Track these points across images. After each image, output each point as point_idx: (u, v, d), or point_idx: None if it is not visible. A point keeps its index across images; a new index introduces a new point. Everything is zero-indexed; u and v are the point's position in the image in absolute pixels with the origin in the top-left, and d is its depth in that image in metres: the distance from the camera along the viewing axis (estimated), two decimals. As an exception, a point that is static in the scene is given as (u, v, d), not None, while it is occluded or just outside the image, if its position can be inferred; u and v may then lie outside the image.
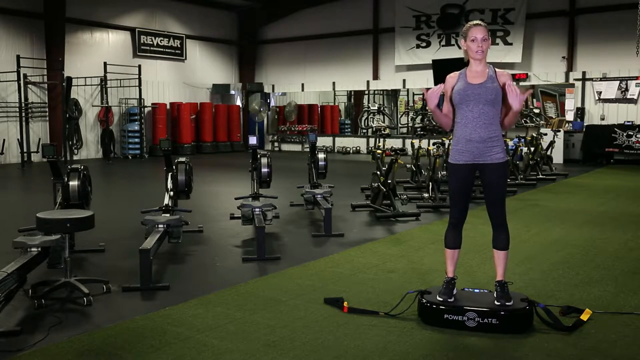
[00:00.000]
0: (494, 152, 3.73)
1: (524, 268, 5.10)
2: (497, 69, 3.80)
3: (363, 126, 20.01)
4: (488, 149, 3.73)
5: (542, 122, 17.27)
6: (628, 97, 15.80)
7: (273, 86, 22.17)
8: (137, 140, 18.06)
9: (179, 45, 20.26)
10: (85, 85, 17.25)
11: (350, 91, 23.34)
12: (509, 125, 3.87)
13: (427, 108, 18.80)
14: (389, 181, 7.78)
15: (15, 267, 4.02)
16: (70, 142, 16.70)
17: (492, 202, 3.81)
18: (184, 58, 20.50)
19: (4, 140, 15.51)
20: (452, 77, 3.86)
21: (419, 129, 16.28)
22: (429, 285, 4.29)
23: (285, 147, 21.84)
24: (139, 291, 4.46)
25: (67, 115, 16.36)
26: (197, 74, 21.00)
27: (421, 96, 23.23)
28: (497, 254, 3.86)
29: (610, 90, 16.01)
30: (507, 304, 3.70)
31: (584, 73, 16.45)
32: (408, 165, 10.29)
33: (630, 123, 15.36)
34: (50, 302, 4.20)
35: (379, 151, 8.40)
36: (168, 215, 5.72)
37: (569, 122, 16.66)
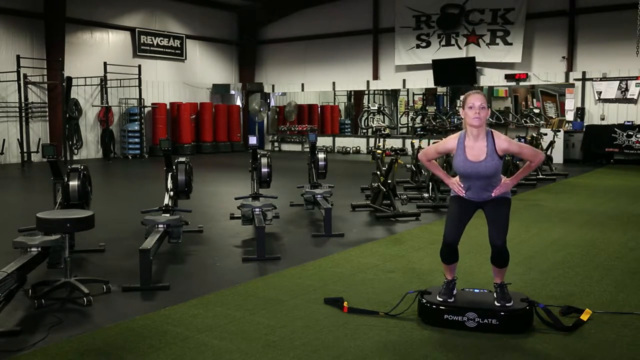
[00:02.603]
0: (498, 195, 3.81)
1: (524, 268, 5.10)
2: (495, 136, 3.74)
3: (363, 126, 20.00)
4: (491, 190, 3.79)
5: (542, 122, 17.26)
6: (628, 97, 15.79)
7: (273, 86, 22.16)
8: (137, 140, 18.05)
9: (179, 45, 20.26)
10: (85, 85, 17.25)
11: (350, 91, 23.34)
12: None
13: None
14: (389, 181, 7.77)
15: (15, 267, 4.03)
16: (70, 142, 16.70)
17: (493, 230, 3.80)
18: (184, 58, 20.50)
19: (4, 140, 15.51)
20: (451, 140, 3.85)
21: (419, 129, 16.28)
22: (429, 285, 4.29)
23: (285, 147, 21.84)
24: (139, 291, 4.46)
25: (67, 115, 16.36)
26: (197, 74, 21.00)
27: (421, 96, 23.25)
28: (495, 269, 3.88)
29: (610, 90, 16.01)
30: (507, 304, 3.70)
31: (584, 73, 16.45)
32: (408, 165, 10.29)
33: (630, 123, 15.36)
34: (50, 302, 4.20)
35: (379, 151, 8.39)
36: (168, 215, 5.72)
37: (569, 122, 16.66)
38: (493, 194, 3.77)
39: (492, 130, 3.81)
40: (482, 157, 3.70)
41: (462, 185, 3.82)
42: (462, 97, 3.86)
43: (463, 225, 3.89)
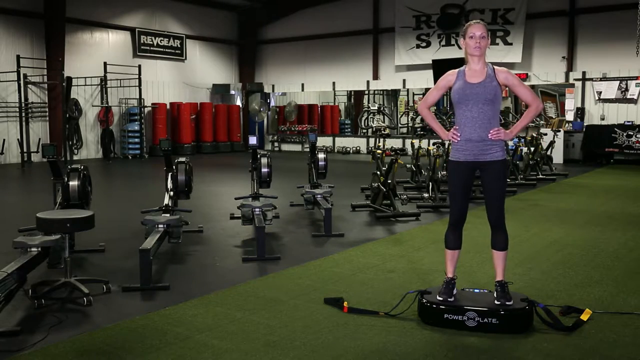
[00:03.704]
0: (493, 151, 3.76)
1: (524, 268, 5.10)
2: (495, 67, 3.80)
3: (363, 126, 19.98)
4: (487, 148, 3.75)
5: (542, 122, 17.24)
6: (628, 97, 15.79)
7: (273, 86, 22.17)
8: (137, 140, 18.05)
9: (179, 45, 20.26)
10: (85, 85, 17.25)
11: (350, 91, 23.34)
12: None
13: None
14: (389, 181, 7.77)
15: (15, 267, 4.03)
16: (70, 142, 16.70)
17: (490, 202, 3.82)
18: (184, 58, 20.50)
19: (4, 140, 15.51)
20: (450, 74, 3.88)
21: (419, 129, 16.27)
22: (429, 285, 4.29)
23: (285, 147, 21.84)
24: (139, 291, 4.46)
25: (67, 115, 16.36)
26: (197, 74, 21.00)
27: (421, 96, 23.24)
28: (496, 255, 3.86)
29: (610, 90, 16.01)
30: (507, 303, 3.70)
31: (584, 73, 16.45)
32: (408, 165, 10.28)
33: (630, 123, 15.36)
34: (50, 302, 4.20)
35: (379, 151, 8.39)
36: (168, 215, 5.72)
37: (569, 122, 16.66)
38: (490, 135, 3.71)
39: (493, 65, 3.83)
40: (481, 79, 3.72)
41: (457, 130, 3.79)
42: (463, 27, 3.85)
43: (466, 194, 3.86)
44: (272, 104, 22.50)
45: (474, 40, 3.71)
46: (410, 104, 23.93)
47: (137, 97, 17.91)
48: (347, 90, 23.09)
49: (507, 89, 4.19)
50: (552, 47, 16.94)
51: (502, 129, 3.77)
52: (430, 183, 8.71)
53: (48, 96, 16.57)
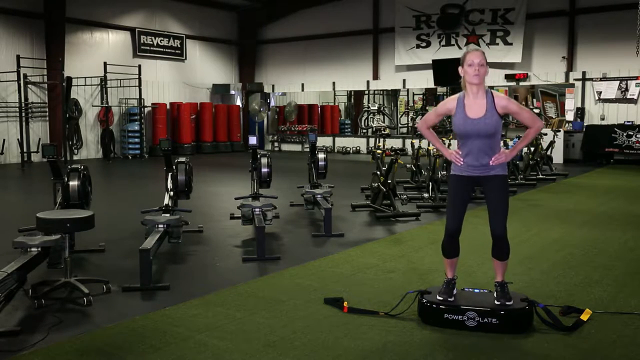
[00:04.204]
0: (495, 169, 3.77)
1: (524, 268, 5.10)
2: (494, 95, 3.74)
3: (363, 126, 20.02)
4: (489, 168, 3.77)
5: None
6: (628, 97, 15.79)
7: (273, 86, 22.16)
8: (137, 140, 18.05)
9: (179, 45, 20.26)
10: (85, 85, 17.25)
11: (350, 91, 23.33)
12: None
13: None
14: (389, 181, 7.77)
15: (15, 267, 4.03)
16: (70, 142, 16.70)
17: (493, 214, 3.80)
18: (184, 58, 20.50)
19: (4, 140, 15.51)
20: (450, 102, 3.84)
21: (421, 118, 16.28)
22: (429, 285, 4.29)
23: (285, 147, 21.83)
24: (139, 291, 4.46)
25: (67, 115, 16.36)
26: (197, 74, 21.00)
27: (421, 96, 23.24)
28: (496, 263, 3.87)
29: (610, 90, 16.01)
30: (507, 303, 3.70)
31: (584, 73, 16.45)
32: (408, 165, 10.29)
33: (630, 123, 15.36)
34: (50, 302, 4.20)
35: (379, 151, 8.39)
36: (168, 215, 5.72)
37: (569, 122, 16.65)
38: (491, 162, 3.73)
39: (492, 90, 3.81)
40: (481, 114, 3.70)
41: (460, 154, 3.80)
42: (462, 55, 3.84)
43: (464, 206, 3.87)
44: (272, 104, 22.49)
45: (472, 68, 3.68)
46: (410, 104, 23.94)
47: (137, 97, 17.91)
48: (347, 90, 23.09)
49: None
50: (552, 47, 16.94)
51: (503, 152, 3.77)
52: (430, 183, 8.71)
53: (48, 96, 16.57)
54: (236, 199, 6.91)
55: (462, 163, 3.79)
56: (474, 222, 5.88)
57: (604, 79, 16.09)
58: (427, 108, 21.80)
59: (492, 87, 16.86)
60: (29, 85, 16.11)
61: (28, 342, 3.49)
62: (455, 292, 3.88)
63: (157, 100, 19.24)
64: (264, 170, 7.07)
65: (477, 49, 3.80)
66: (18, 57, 15.41)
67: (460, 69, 3.80)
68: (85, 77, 17.05)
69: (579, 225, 7.11)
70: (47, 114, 16.60)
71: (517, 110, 3.80)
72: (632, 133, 15.00)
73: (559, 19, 16.82)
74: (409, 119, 22.64)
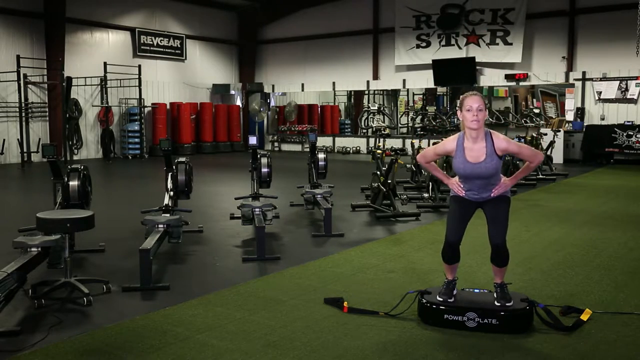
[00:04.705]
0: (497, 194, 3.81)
1: (524, 268, 5.10)
2: (493, 137, 3.73)
3: (363, 126, 19.99)
4: (490, 194, 3.80)
5: (542, 122, 17.26)
6: (628, 97, 15.79)
7: (273, 86, 22.16)
8: (137, 140, 18.05)
9: (179, 45, 20.25)
10: (85, 85, 17.25)
11: (350, 91, 23.34)
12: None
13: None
14: (389, 181, 7.77)
15: (15, 267, 4.03)
16: (70, 142, 16.70)
17: (492, 225, 3.81)
18: (184, 58, 20.49)
19: (4, 140, 15.51)
20: (449, 144, 3.84)
21: (419, 129, 16.28)
22: (429, 285, 4.29)
23: (285, 147, 21.83)
24: (139, 291, 4.46)
25: (67, 115, 16.36)
26: (197, 74, 21.00)
27: (421, 96, 23.24)
28: (495, 268, 3.88)
29: (610, 90, 16.01)
30: (507, 304, 3.70)
31: (584, 73, 16.45)
32: (408, 165, 10.29)
33: (630, 123, 15.36)
34: (50, 302, 4.20)
35: (379, 151, 8.40)
36: (168, 215, 5.72)
37: (569, 122, 16.65)
38: (492, 194, 3.77)
39: (491, 130, 3.80)
40: (481, 159, 3.70)
41: (462, 186, 3.82)
42: (459, 99, 3.84)
43: (464, 224, 3.89)
44: (272, 104, 22.49)
45: (471, 113, 3.67)
46: (410, 104, 23.94)
47: (137, 97, 17.91)
48: (347, 90, 23.10)
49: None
50: (552, 47, 16.94)
51: (502, 183, 3.78)
52: (430, 183, 8.71)
53: (48, 96, 16.57)
54: (236, 199, 6.92)
55: (463, 194, 3.82)
56: (473, 222, 5.84)
57: (604, 79, 16.09)
58: (427, 108, 21.80)
59: (492, 87, 16.86)
60: (29, 85, 16.11)
61: (28, 342, 3.49)
62: (455, 292, 3.88)
63: (157, 100, 19.24)
64: (264, 170, 7.07)
65: (475, 93, 3.77)
66: (18, 57, 15.41)
67: (458, 112, 3.81)
68: (85, 77, 17.05)
69: (579, 225, 7.11)
70: (47, 114, 16.60)
71: (517, 150, 3.83)
72: (632, 133, 15.00)
73: (559, 19, 16.81)
74: (409, 119, 22.63)
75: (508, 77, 17.38)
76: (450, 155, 3.88)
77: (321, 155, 8.25)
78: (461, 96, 3.82)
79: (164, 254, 5.60)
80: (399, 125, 23.17)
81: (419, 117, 21.22)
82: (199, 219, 7.17)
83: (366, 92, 21.94)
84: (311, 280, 4.81)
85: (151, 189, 10.65)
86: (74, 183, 5.26)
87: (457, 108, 3.83)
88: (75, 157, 16.87)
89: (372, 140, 17.86)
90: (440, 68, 17.92)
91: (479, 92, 3.88)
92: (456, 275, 3.96)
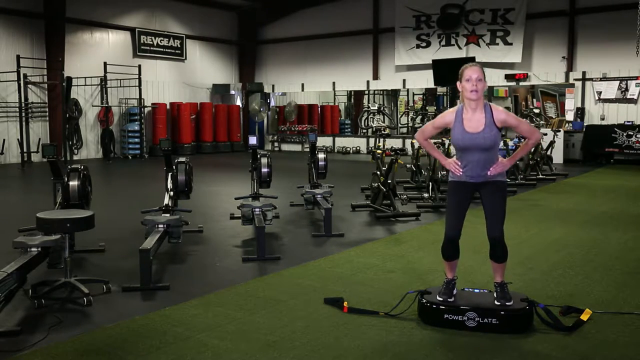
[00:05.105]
0: (494, 177, 3.78)
1: (524, 268, 5.10)
2: (493, 108, 3.74)
3: (363, 126, 20.00)
4: (488, 176, 3.78)
5: (542, 122, 17.26)
6: (628, 97, 15.79)
7: (273, 86, 22.16)
8: (137, 140, 18.05)
9: (179, 45, 20.26)
10: (85, 85, 17.25)
11: (350, 91, 23.34)
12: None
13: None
14: (389, 181, 7.77)
15: (15, 267, 4.03)
16: (70, 142, 16.70)
17: (491, 217, 3.80)
18: (184, 58, 20.50)
19: (4, 140, 15.51)
20: (449, 115, 3.84)
21: (418, 129, 16.29)
22: (429, 285, 4.29)
23: (285, 147, 21.83)
24: (139, 291, 4.46)
25: (67, 115, 16.36)
26: (197, 74, 21.00)
27: (421, 96, 23.24)
28: (494, 265, 3.87)
29: (610, 90, 16.01)
30: (507, 304, 3.70)
31: (584, 73, 16.45)
32: (408, 165, 10.28)
33: (630, 123, 15.36)
34: (50, 302, 4.20)
35: (379, 151, 8.39)
36: (168, 215, 5.72)
37: (569, 122, 16.65)
38: (489, 172, 3.74)
39: (490, 103, 3.81)
40: (480, 128, 3.70)
41: (459, 164, 3.81)
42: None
43: (462, 214, 3.87)
44: (272, 104, 22.50)
45: (470, 83, 3.68)
46: (410, 104, 23.94)
47: (137, 97, 17.91)
48: (347, 90, 23.10)
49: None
50: (552, 47, 16.94)
51: (500, 162, 3.78)
52: (430, 183, 8.71)
53: (48, 96, 16.57)
54: (236, 199, 6.91)
55: (460, 173, 3.80)
56: (474, 222, 5.86)
57: (604, 79, 16.09)
58: (427, 108, 21.81)
59: (492, 87, 16.84)
60: (29, 85, 16.11)
61: (28, 342, 3.49)
62: (455, 292, 3.88)
63: (157, 100, 19.24)
64: (264, 170, 7.07)
65: (474, 64, 3.77)
66: (18, 57, 15.40)
67: (458, 84, 3.80)
68: (85, 77, 17.05)
69: (579, 225, 7.11)
70: (47, 114, 16.60)
71: (516, 123, 3.83)
72: (632, 133, 15.00)
73: (559, 19, 16.82)
74: (409, 119, 22.64)
75: (508, 77, 17.39)
76: (448, 127, 3.86)
77: (321, 155, 8.25)
78: (461, 68, 3.82)
79: (164, 254, 5.60)
80: (399, 125, 23.18)
81: (419, 117, 21.22)
82: (199, 219, 7.17)
83: (366, 92, 21.95)
84: (311, 280, 4.81)
85: (151, 189, 10.64)
86: (74, 183, 5.26)
87: (457, 80, 3.83)
88: (75, 157, 16.88)
89: (372, 140, 17.87)
90: (440, 68, 17.91)
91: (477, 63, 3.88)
92: (456, 275, 3.96)
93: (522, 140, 12.19)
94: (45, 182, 9.18)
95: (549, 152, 13.02)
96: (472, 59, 17.53)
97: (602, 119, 16.13)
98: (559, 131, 15.34)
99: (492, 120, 3.70)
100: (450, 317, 3.70)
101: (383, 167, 7.94)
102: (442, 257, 3.97)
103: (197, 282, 4.81)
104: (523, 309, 3.68)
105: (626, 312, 3.97)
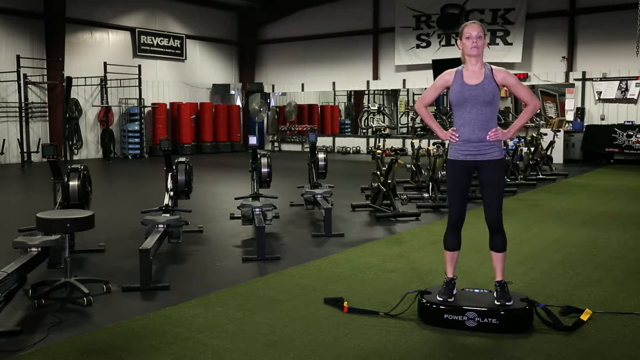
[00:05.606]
0: (492, 151, 3.77)
1: (524, 268, 5.10)
2: (493, 67, 3.78)
3: (363, 126, 19.99)
4: (486, 148, 3.76)
5: (542, 122, 17.26)
6: (628, 97, 15.79)
7: (273, 86, 22.17)
8: (137, 140, 18.06)
9: (179, 45, 20.26)
10: (85, 85, 17.25)
11: (350, 91, 23.34)
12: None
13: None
14: (389, 181, 7.77)
15: (15, 267, 4.02)
16: (70, 142, 16.70)
17: (488, 202, 3.81)
18: (184, 58, 20.50)
19: (4, 140, 15.51)
20: (448, 74, 3.87)
21: (419, 129, 16.28)
22: (429, 285, 4.29)
23: (285, 147, 21.83)
24: (139, 291, 4.46)
25: (67, 115, 16.36)
26: (197, 74, 21.00)
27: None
28: (494, 256, 3.87)
29: (610, 90, 16.01)
30: (507, 303, 3.70)
31: (584, 73, 16.45)
32: (408, 165, 10.28)
33: (630, 123, 15.36)
34: (50, 302, 4.20)
35: (379, 151, 8.39)
36: (168, 215, 5.72)
37: (569, 122, 16.65)
38: (488, 137, 3.72)
39: (491, 64, 3.82)
40: (479, 80, 3.71)
41: (455, 130, 3.80)
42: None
43: (464, 194, 3.87)
44: (272, 104, 22.49)
45: (470, 40, 3.71)
46: (410, 104, 23.93)
47: (137, 97, 17.91)
48: (347, 90, 23.10)
49: (506, 90, 4.20)
50: (552, 47, 16.94)
51: (500, 129, 3.77)
52: (430, 183, 8.71)
53: (48, 96, 16.57)
54: (236, 199, 6.91)
55: (457, 139, 3.78)
56: (473, 222, 5.87)
57: (604, 79, 16.09)
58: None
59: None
60: (29, 85, 16.11)
61: (28, 342, 3.49)
62: (455, 292, 3.88)
63: (157, 100, 19.24)
64: (264, 170, 7.07)
65: (474, 22, 3.79)
66: (18, 57, 15.41)
67: (458, 42, 3.82)
68: (85, 77, 17.06)
69: (579, 225, 7.11)
70: (47, 114, 16.61)
71: (515, 83, 3.79)
72: (632, 133, 15.00)
73: (559, 19, 16.82)
74: (409, 119, 22.61)
75: (508, 77, 17.36)
76: (448, 86, 3.84)
77: (321, 155, 8.24)
78: (461, 26, 3.83)
79: (164, 254, 5.60)
80: (399, 125, 23.17)
81: (419, 117, 21.19)
82: (199, 219, 7.16)
83: (366, 92, 21.95)
84: (311, 280, 4.81)
85: (151, 189, 10.64)
86: (74, 183, 5.26)
87: (456, 39, 3.83)
88: (75, 157, 16.88)
89: (372, 140, 17.87)
90: (440, 68, 17.77)
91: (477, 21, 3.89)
92: (456, 275, 3.95)
93: (522, 140, 12.20)
94: (45, 182, 9.19)
95: (549, 152, 13.02)
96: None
97: (602, 119, 16.13)
98: (559, 131, 15.33)
99: (492, 75, 3.72)
100: (450, 317, 3.70)
101: (383, 167, 7.94)
102: (444, 247, 3.96)
103: (197, 282, 4.81)
104: (523, 308, 3.68)
105: (626, 312, 3.97)
